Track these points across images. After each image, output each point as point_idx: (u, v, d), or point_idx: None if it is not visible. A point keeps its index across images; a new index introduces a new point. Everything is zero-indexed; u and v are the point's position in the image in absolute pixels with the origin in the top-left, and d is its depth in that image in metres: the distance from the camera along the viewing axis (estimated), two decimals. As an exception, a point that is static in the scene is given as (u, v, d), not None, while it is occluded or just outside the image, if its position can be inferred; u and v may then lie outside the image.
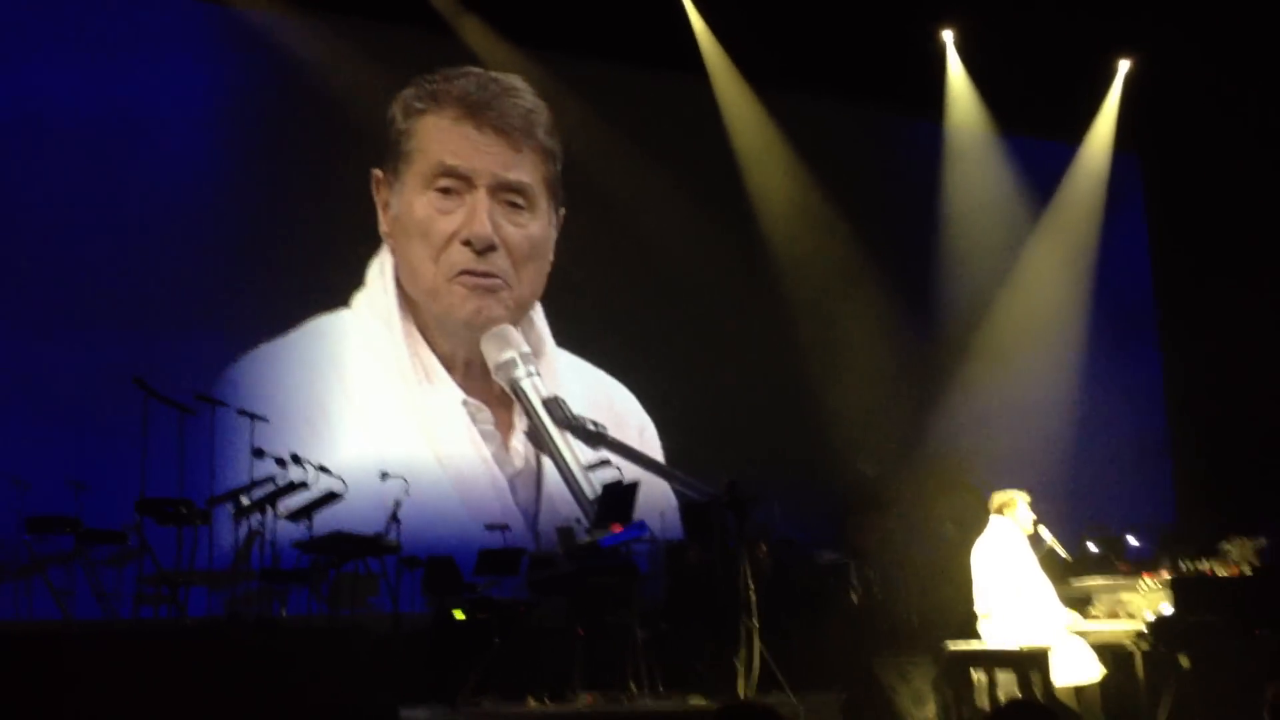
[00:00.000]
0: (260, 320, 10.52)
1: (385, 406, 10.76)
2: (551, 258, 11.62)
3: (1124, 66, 13.67)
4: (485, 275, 11.12)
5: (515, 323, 11.26)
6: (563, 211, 11.72)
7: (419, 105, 11.33)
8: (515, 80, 11.72)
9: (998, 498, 8.29)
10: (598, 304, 11.92)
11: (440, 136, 11.34)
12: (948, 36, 13.25)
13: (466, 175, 11.24)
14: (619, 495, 9.27)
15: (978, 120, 13.57)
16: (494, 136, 11.47)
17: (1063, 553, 8.44)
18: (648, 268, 12.14)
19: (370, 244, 11.06)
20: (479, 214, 11.18)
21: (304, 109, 10.98)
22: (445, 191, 11.18)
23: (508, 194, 11.39)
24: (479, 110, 11.46)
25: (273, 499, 8.81)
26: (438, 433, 10.90)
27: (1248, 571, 7.90)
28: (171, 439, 8.62)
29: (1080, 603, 8.28)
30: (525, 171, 11.54)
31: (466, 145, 11.36)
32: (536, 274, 11.52)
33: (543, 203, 11.59)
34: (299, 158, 10.95)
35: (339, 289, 10.89)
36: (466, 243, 11.10)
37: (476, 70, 11.61)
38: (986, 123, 13.59)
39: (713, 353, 12.32)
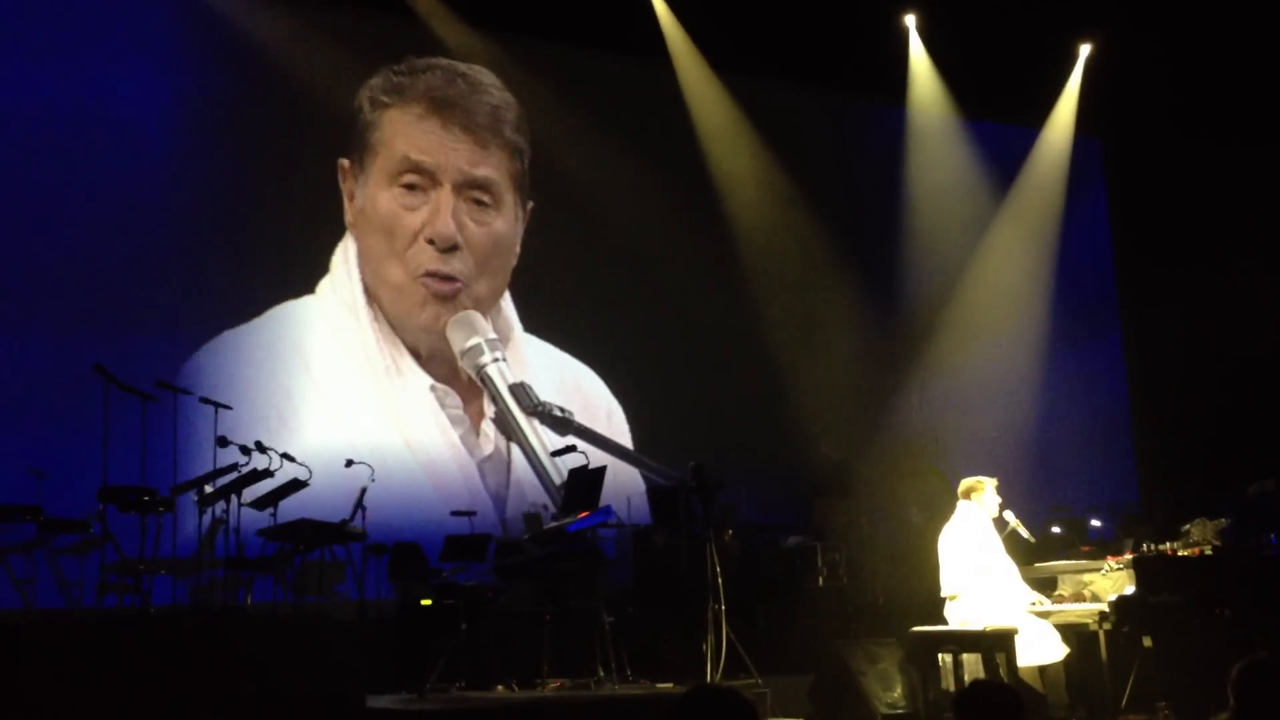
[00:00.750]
0: (225, 307, 10.44)
1: (352, 393, 10.70)
2: (518, 251, 11.57)
3: (1085, 51, 13.73)
4: (447, 279, 11.06)
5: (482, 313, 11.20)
6: (530, 205, 11.68)
7: (385, 99, 11.23)
8: (483, 75, 11.63)
9: (966, 482, 8.36)
10: (565, 289, 11.90)
11: (406, 131, 11.24)
12: (910, 21, 13.27)
13: (431, 171, 11.16)
14: (585, 480, 9.25)
15: (940, 104, 13.61)
16: (460, 133, 11.38)
17: (1026, 535, 8.50)
18: (613, 252, 12.11)
19: (336, 230, 10.98)
20: (443, 212, 11.10)
21: (266, 94, 10.89)
22: (410, 187, 11.09)
23: (473, 191, 11.31)
24: (445, 106, 11.37)
25: (237, 487, 8.74)
26: (405, 419, 10.85)
27: (1209, 552, 7.98)
28: (134, 427, 8.53)
29: (1044, 585, 8.35)
30: (491, 168, 11.46)
31: (432, 141, 11.27)
32: (499, 271, 11.45)
33: (508, 199, 11.53)
34: (261, 143, 10.86)
35: (304, 275, 10.81)
36: (430, 241, 11.03)
37: (444, 63, 11.51)
38: (949, 107, 13.63)
39: (679, 336, 12.33)
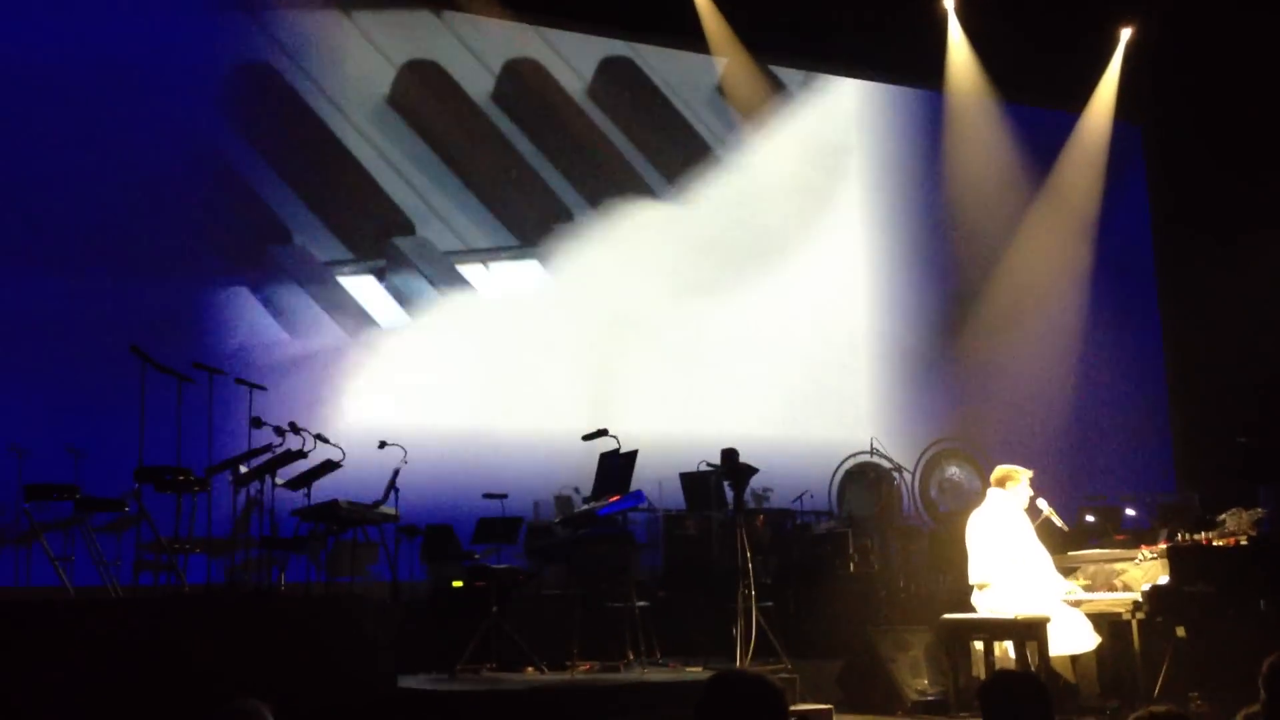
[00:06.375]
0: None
1: (396, 375, 10.83)
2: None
3: (1125, 35, 13.59)
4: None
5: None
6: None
7: None
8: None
9: (1000, 470, 8.29)
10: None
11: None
12: (949, 4, 13.17)
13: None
14: (617, 464, 9.24)
15: (978, 88, 13.50)
16: None
17: (1060, 523, 8.44)
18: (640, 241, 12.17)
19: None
20: None
21: (305, 83, 10.98)
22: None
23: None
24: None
25: (271, 467, 8.79)
26: (446, 403, 10.98)
27: (1244, 542, 7.89)
28: (170, 407, 8.60)
29: (1077, 574, 8.29)
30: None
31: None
32: None
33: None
34: (307, 126, 10.94)
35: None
36: None
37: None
38: (987, 91, 13.52)
39: (718, 322, 12.31)
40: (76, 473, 8.79)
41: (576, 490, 10.58)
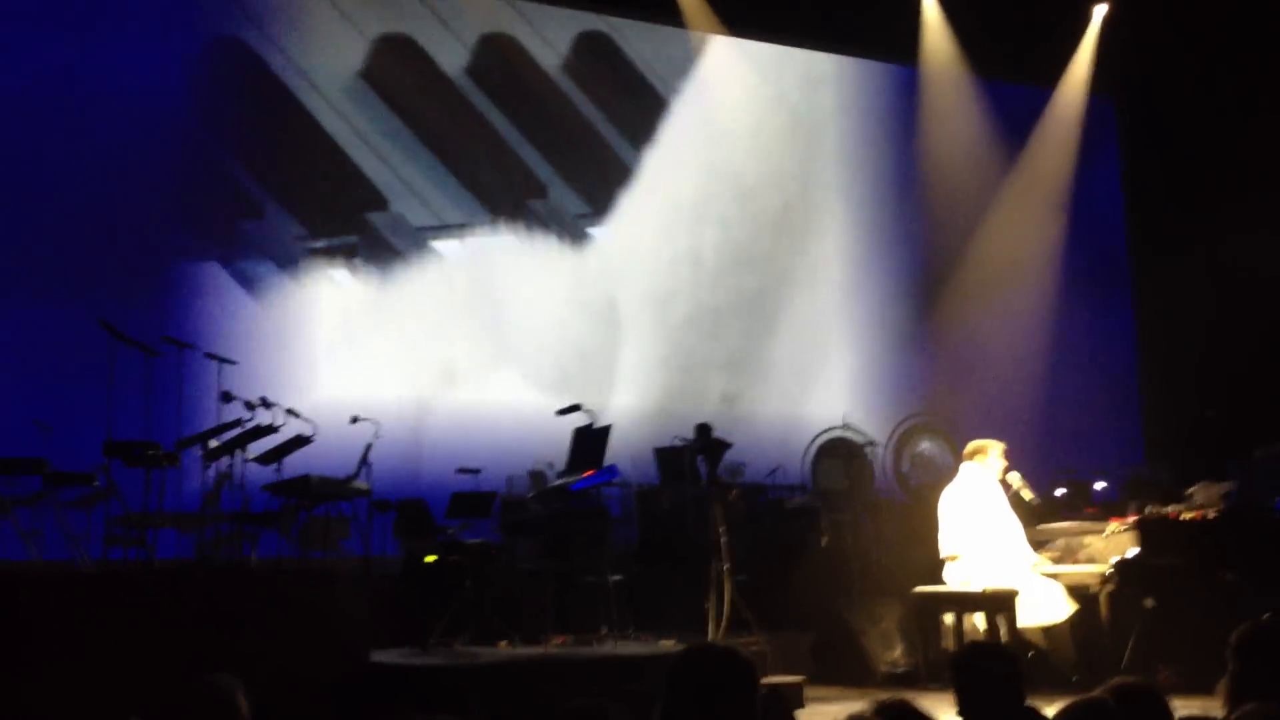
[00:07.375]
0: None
1: (366, 351, 10.78)
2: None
3: (1100, 11, 13.60)
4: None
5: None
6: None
7: None
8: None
9: (973, 444, 8.34)
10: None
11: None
12: (924, -22, 13.16)
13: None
14: (591, 439, 9.24)
15: (953, 64, 13.49)
16: None
17: (1029, 496, 8.49)
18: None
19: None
20: None
21: (277, 55, 10.89)
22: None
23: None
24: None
25: (241, 442, 8.72)
26: (417, 376, 10.93)
27: (1212, 515, 7.96)
28: (139, 381, 8.53)
29: (1047, 546, 8.35)
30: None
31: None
32: None
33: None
34: (274, 100, 10.84)
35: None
36: None
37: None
38: (962, 66, 13.51)
39: (690, 297, 12.30)
40: (44, 447, 8.70)
41: (550, 465, 10.54)
